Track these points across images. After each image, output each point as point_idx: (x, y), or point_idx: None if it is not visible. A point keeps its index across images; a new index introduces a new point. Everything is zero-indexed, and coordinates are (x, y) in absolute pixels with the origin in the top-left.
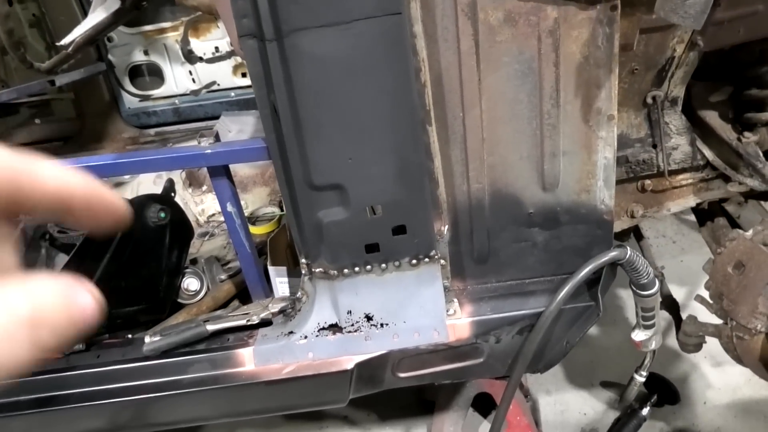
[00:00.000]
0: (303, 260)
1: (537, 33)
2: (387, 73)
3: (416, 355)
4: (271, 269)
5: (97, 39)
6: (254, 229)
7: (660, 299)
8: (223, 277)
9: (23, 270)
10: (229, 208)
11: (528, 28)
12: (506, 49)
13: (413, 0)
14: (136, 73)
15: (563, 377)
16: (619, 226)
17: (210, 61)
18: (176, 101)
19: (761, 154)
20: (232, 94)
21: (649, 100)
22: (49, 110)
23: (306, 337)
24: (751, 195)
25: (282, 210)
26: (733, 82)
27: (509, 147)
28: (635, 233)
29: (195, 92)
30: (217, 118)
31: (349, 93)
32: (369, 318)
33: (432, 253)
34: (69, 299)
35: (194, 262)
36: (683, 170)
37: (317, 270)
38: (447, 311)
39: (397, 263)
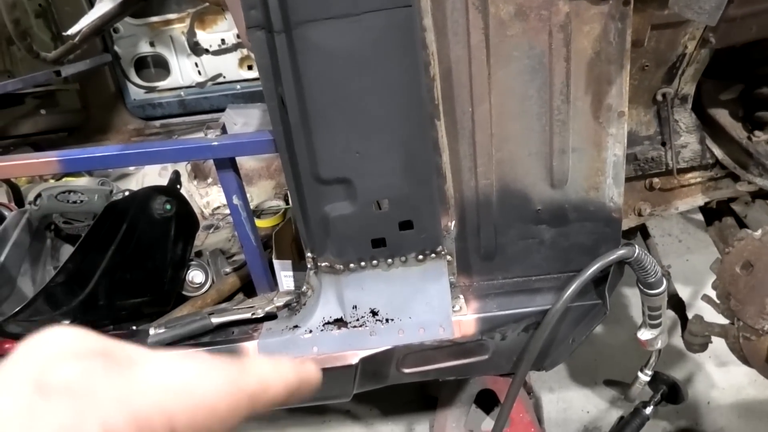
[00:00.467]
0: (308, 254)
1: (548, 28)
2: (396, 67)
3: (421, 351)
4: (276, 263)
5: (103, 29)
6: (259, 223)
7: (667, 298)
8: (228, 270)
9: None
10: (235, 200)
11: (539, 23)
12: (517, 43)
13: None
14: (141, 64)
15: (566, 375)
16: (626, 224)
17: (216, 53)
18: (182, 93)
19: None
20: (238, 86)
21: (659, 98)
22: (54, 101)
23: (311, 331)
24: (759, 195)
25: (287, 203)
26: (744, 80)
27: (518, 143)
28: (642, 232)
29: (201, 84)
30: (222, 110)
31: (358, 86)
32: (374, 313)
33: (438, 249)
34: (293, 375)
35: (199, 254)
36: (692, 169)
37: (323, 264)
38: (453, 307)
39: (403, 258)
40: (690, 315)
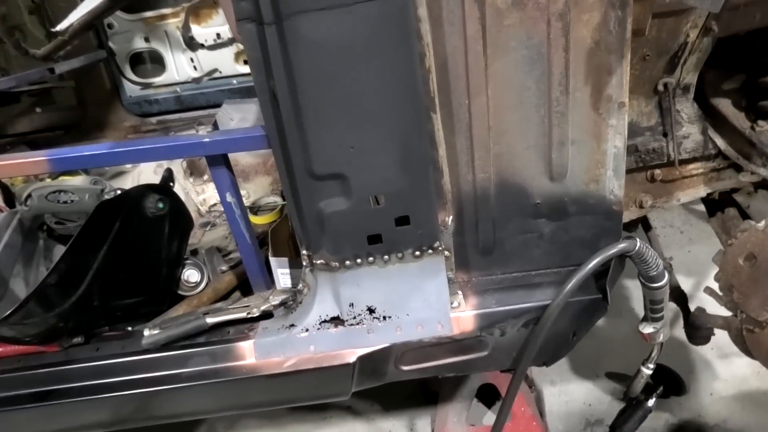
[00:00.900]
0: (304, 251)
1: (546, 17)
2: (390, 59)
3: (419, 348)
4: (272, 260)
5: (94, 24)
6: (256, 219)
7: (669, 291)
8: (224, 268)
9: None
10: (229, 198)
11: (537, 12)
12: (514, 33)
13: None
14: (137, 60)
15: (568, 368)
16: (627, 216)
17: (212, 48)
18: (178, 89)
19: None
20: (234, 81)
21: (661, 88)
22: (50, 99)
23: (307, 330)
24: (762, 185)
25: (284, 200)
26: (747, 69)
27: (516, 135)
28: (643, 224)
29: (197, 80)
30: (219, 106)
31: (351, 79)
32: (371, 310)
33: (436, 245)
34: None
35: (195, 252)
36: (694, 159)
37: (319, 261)
38: (451, 304)
39: (400, 255)
40: (692, 307)
